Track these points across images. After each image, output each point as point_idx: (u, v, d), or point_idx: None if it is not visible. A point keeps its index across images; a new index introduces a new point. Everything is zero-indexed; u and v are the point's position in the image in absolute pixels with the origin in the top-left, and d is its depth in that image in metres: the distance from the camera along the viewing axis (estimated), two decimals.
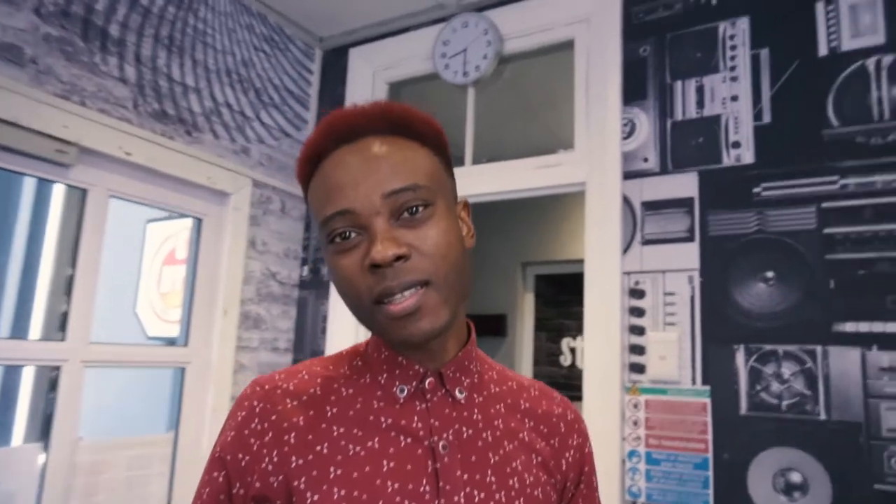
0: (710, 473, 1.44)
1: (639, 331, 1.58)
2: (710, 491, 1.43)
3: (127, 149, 1.64)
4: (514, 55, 1.96)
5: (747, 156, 1.52)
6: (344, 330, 2.00)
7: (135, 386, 2.66)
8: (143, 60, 1.72)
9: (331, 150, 0.66)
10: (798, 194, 1.45)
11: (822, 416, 1.35)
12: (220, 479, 0.68)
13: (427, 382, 0.70)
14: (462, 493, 0.66)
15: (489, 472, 0.68)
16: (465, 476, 0.67)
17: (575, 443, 0.78)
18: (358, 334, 1.99)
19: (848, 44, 1.45)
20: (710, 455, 1.44)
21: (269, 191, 2.08)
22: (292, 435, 0.67)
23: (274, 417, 0.68)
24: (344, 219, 0.63)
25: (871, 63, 1.42)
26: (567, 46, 1.86)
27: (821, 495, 1.32)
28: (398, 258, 0.61)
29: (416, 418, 0.68)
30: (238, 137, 1.98)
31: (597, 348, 1.60)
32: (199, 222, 1.90)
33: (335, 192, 0.64)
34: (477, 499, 0.66)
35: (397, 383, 0.70)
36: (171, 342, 2.95)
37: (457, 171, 0.90)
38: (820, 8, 1.49)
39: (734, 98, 1.56)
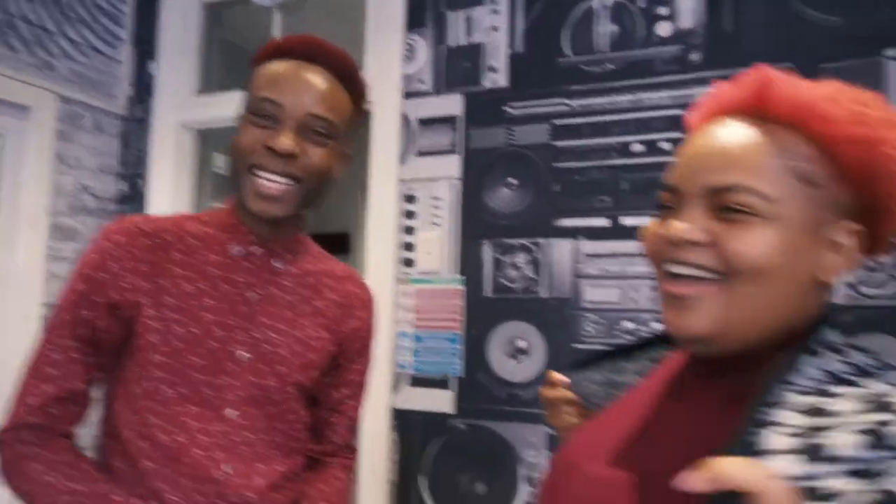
0: (461, 346, 1.73)
1: (410, 231, 1.82)
2: (461, 360, 1.73)
3: None
4: None
5: (502, 79, 1.77)
6: None
7: None
8: None
9: (293, 56, 0.85)
10: (537, 113, 1.72)
11: (543, 295, 1.66)
12: (81, 287, 0.87)
13: (255, 249, 0.91)
14: (259, 330, 0.89)
15: (282, 322, 0.92)
16: (265, 320, 0.90)
17: (362, 315, 1.03)
18: None
19: None
20: (460, 332, 1.74)
21: (79, 107, 2.11)
22: (142, 267, 0.87)
23: (132, 251, 0.87)
24: (272, 106, 0.83)
25: (596, 3, 1.69)
26: None
27: (538, 356, 1.65)
28: (290, 154, 0.81)
29: (239, 273, 0.90)
30: (38, 52, 1.99)
31: (377, 247, 1.84)
32: None
33: (278, 84, 0.83)
34: (269, 335, 0.90)
35: (234, 243, 0.91)
36: None
37: None
38: None
39: (495, 28, 1.79)
